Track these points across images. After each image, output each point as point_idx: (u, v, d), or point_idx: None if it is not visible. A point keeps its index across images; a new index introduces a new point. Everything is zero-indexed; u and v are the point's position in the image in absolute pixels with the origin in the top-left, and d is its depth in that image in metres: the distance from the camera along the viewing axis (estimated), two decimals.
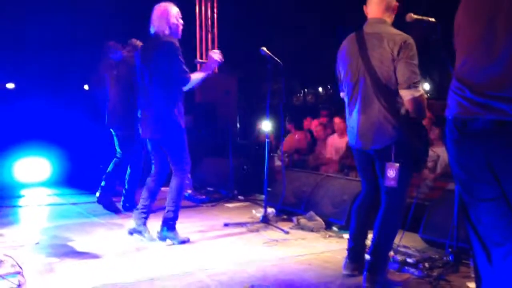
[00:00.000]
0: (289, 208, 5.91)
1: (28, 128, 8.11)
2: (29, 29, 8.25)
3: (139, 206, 4.90)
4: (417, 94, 3.43)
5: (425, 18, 3.47)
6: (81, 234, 5.06)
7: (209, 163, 8.06)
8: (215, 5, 8.08)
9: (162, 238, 4.73)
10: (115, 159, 6.11)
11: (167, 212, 4.72)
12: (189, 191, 6.89)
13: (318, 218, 5.32)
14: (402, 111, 3.48)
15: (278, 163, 8.78)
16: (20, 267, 3.75)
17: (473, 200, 2.43)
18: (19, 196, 7.17)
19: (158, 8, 4.69)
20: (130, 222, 4.94)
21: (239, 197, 7.02)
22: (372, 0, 3.67)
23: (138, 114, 4.83)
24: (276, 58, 5.30)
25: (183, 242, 4.73)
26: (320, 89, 30.71)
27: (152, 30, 4.68)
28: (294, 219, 5.45)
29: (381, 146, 3.53)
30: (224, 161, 7.58)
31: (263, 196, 5.92)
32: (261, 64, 5.46)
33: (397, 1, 3.69)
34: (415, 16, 3.46)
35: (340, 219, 5.23)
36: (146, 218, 4.85)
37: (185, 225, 5.18)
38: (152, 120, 4.64)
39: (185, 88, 4.67)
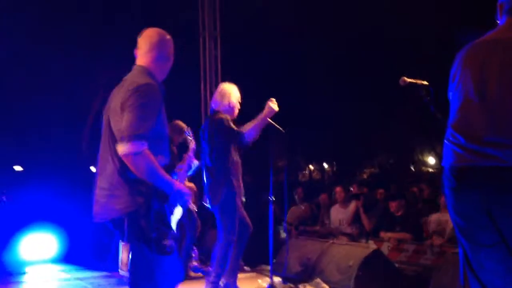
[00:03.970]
0: (295, 276, 5.83)
1: (35, 206, 8.15)
2: (33, 109, 8.42)
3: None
4: (132, 149, 2.61)
5: (418, 81, 3.59)
6: None
7: (214, 235, 8.01)
8: (219, 73, 8.41)
9: None
10: None
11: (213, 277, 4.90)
12: (195, 263, 6.84)
13: (324, 285, 5.27)
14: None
15: (283, 235, 8.73)
16: None
17: (474, 246, 2.45)
18: (24, 273, 7.09)
19: (222, 87, 5.04)
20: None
21: (245, 267, 6.95)
22: (140, 46, 3.03)
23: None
24: (279, 127, 5.34)
25: None
26: (325, 165, 30.89)
27: (213, 105, 5.01)
28: (301, 286, 5.39)
29: (115, 217, 2.77)
30: None
31: (269, 267, 5.86)
32: (266, 136, 5.52)
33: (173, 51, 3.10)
34: (409, 80, 3.56)
35: (346, 285, 5.17)
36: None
37: None
38: (210, 189, 4.87)
39: (249, 140, 4.86)
